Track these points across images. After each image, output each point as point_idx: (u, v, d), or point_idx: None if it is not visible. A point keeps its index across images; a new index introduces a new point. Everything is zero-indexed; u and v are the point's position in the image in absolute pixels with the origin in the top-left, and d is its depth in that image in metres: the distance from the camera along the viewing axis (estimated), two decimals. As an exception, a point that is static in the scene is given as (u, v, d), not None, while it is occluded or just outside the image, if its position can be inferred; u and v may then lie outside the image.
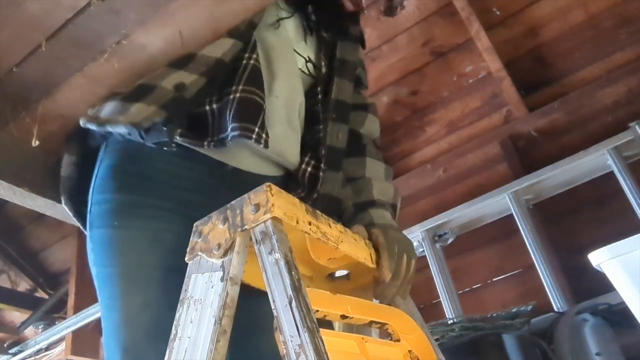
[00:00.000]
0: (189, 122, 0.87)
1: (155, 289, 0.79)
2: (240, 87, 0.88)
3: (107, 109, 0.90)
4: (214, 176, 0.91)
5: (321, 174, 0.96)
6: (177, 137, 0.84)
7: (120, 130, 0.85)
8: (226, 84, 0.89)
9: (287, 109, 0.97)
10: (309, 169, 0.98)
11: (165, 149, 0.85)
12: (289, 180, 0.99)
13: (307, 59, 1.04)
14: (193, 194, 0.89)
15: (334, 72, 1.05)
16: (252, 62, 0.91)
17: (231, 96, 0.87)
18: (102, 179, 0.90)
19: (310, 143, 1.00)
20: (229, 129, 0.85)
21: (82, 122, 0.91)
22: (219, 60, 0.89)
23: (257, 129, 0.85)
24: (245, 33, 0.92)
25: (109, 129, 0.86)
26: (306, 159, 0.98)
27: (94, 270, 0.87)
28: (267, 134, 0.87)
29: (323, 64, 1.05)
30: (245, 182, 0.91)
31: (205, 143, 0.85)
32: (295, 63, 1.01)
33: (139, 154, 0.89)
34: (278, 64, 0.96)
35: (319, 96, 1.02)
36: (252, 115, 0.86)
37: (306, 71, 1.04)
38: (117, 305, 0.80)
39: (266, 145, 0.86)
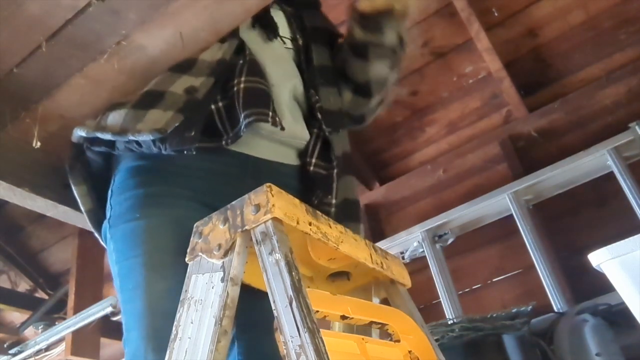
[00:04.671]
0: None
1: (177, 275, 0.76)
2: (243, 79, 0.89)
3: (117, 117, 0.87)
4: (235, 166, 0.92)
5: (317, 131, 0.98)
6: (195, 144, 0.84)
7: (144, 138, 0.83)
8: (228, 81, 0.90)
9: (288, 90, 0.99)
10: (315, 130, 0.99)
11: (185, 153, 0.84)
12: (301, 167, 1.00)
13: (282, 35, 1.06)
14: (216, 184, 0.90)
15: (309, 40, 1.08)
16: (248, 57, 0.93)
17: (235, 89, 0.88)
18: (120, 183, 0.90)
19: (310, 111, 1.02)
20: (242, 118, 0.85)
21: (85, 132, 0.87)
22: (221, 60, 0.91)
23: (271, 113, 0.86)
24: (234, 31, 0.93)
25: (131, 137, 0.83)
26: (314, 130, 1.00)
27: (116, 270, 0.85)
28: (280, 118, 0.88)
29: (298, 36, 1.08)
30: (267, 171, 0.93)
31: (223, 141, 0.86)
32: (279, 46, 1.03)
33: (156, 156, 0.88)
34: (261, 54, 0.98)
35: (303, 65, 1.05)
36: (262, 101, 0.88)
37: (289, 47, 1.06)
38: (140, 294, 0.80)
39: (282, 128, 0.88)
